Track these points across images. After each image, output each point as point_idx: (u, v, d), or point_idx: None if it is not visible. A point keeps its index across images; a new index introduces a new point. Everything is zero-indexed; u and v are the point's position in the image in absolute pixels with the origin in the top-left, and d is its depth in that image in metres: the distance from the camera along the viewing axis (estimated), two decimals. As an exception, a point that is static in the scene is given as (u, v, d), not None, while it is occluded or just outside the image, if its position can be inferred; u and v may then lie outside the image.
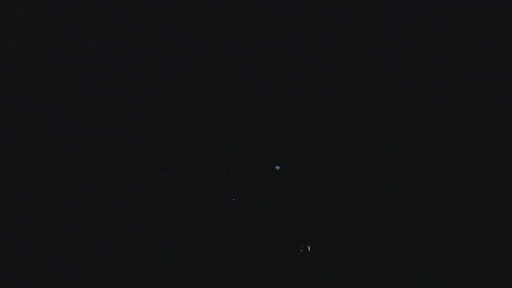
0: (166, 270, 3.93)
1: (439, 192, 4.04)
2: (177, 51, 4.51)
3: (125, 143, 4.25)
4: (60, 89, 4.39)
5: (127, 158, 4.21)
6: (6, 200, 4.07)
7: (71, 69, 4.45)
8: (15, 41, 4.51)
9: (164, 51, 4.51)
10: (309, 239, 3.98)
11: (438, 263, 3.87)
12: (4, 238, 3.99)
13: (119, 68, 4.46)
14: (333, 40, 4.47)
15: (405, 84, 4.35)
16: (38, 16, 4.55)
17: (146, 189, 4.13)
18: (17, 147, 4.22)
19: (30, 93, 4.37)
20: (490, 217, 3.96)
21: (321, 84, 4.39)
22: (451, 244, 3.91)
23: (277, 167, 4.18)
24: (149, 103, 4.37)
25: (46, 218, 4.03)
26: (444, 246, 3.90)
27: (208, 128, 4.30)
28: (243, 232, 4.02)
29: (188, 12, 4.57)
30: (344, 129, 4.26)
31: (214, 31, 4.53)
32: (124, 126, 4.30)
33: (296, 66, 4.43)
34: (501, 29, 4.43)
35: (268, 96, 4.37)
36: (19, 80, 4.40)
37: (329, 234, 3.99)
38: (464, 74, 4.35)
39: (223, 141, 4.26)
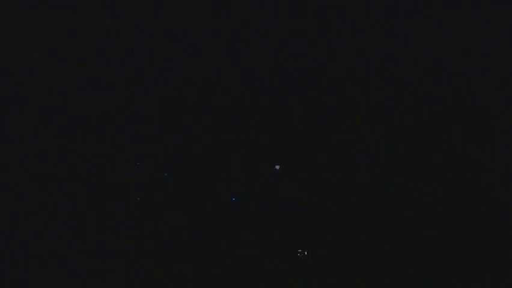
0: (166, 270, 3.93)
1: (439, 192, 4.04)
2: (177, 51, 4.51)
3: (125, 143, 4.25)
4: (61, 89, 4.39)
5: (127, 158, 4.21)
6: (6, 200, 4.07)
7: (71, 69, 4.45)
8: (15, 41, 4.51)
9: (164, 51, 4.51)
10: (309, 239, 3.98)
11: (438, 263, 3.87)
12: (4, 238, 3.99)
13: (119, 68, 4.46)
14: (333, 40, 4.47)
15: (405, 84, 4.35)
16: (38, 16, 4.55)
17: (146, 189, 4.13)
18: (17, 147, 4.22)
19: (30, 93, 4.37)
20: (490, 217, 3.96)
21: (321, 84, 4.39)
22: (451, 244, 3.91)
23: (277, 167, 4.18)
24: (149, 103, 4.37)
25: (46, 218, 4.03)
26: (445, 246, 3.90)
27: (208, 128, 4.30)
28: (243, 232, 4.02)
29: (189, 12, 4.57)
30: (344, 129, 4.26)
31: (214, 31, 4.53)
32: (124, 126, 4.30)
33: (296, 66, 4.43)
34: (501, 29, 4.43)
35: (268, 96, 4.37)
36: (19, 80, 4.40)
37: (328, 235, 3.99)
38: (464, 74, 4.35)
39: (223, 141, 4.26)
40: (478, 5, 4.47)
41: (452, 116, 4.25)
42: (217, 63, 4.47)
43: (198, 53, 4.50)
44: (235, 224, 4.04)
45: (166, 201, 4.11)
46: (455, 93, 4.30)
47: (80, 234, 4.00)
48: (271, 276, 3.89)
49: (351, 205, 4.05)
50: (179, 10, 4.57)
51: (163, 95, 4.40)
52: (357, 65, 4.42)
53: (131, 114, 4.33)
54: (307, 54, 4.46)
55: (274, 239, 3.99)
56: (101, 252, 3.96)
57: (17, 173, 4.15)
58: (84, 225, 4.02)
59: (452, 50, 4.41)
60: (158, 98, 4.39)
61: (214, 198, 4.11)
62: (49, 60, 4.47)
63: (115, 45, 4.52)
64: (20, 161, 4.18)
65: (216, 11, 4.58)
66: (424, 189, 4.06)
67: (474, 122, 4.22)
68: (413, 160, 4.14)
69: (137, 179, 4.16)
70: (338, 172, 4.14)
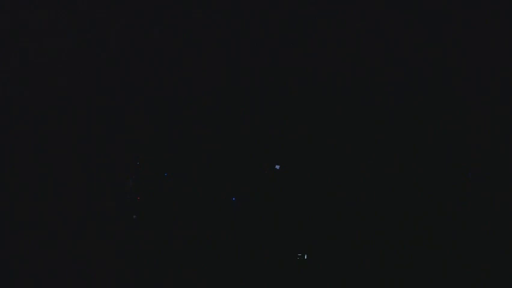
0: (166, 270, 3.93)
1: (439, 192, 4.05)
2: (177, 51, 4.51)
3: (125, 143, 4.26)
4: (61, 89, 4.39)
5: (127, 158, 4.21)
6: (6, 200, 4.08)
7: (71, 69, 4.45)
8: (15, 41, 4.50)
9: (164, 51, 4.51)
10: (308, 239, 3.99)
11: (437, 263, 3.87)
12: (4, 238, 3.99)
13: (119, 68, 4.46)
14: (333, 40, 4.47)
15: (405, 84, 4.35)
16: (37, 16, 4.55)
17: (146, 189, 4.14)
18: (17, 147, 4.22)
19: (31, 93, 4.37)
20: (490, 217, 3.97)
21: (321, 84, 4.39)
22: (451, 244, 3.91)
23: (277, 167, 4.19)
24: (149, 103, 4.37)
25: (46, 218, 4.04)
26: (444, 247, 3.91)
27: (208, 128, 4.30)
28: (243, 232, 4.02)
29: (189, 12, 4.57)
30: (345, 129, 4.26)
31: (214, 31, 4.53)
32: (124, 126, 4.30)
33: (296, 66, 4.44)
34: (501, 28, 4.43)
35: (268, 96, 4.37)
36: (19, 80, 4.41)
37: (328, 235, 4.00)
38: (464, 74, 4.35)
39: (224, 141, 4.26)
40: (477, 5, 4.46)
41: (452, 115, 4.25)
42: (217, 63, 4.47)
43: (198, 53, 4.50)
44: (235, 224, 4.04)
45: (166, 201, 4.11)
46: (455, 93, 4.30)
47: (80, 234, 4.01)
48: (271, 276, 3.90)
49: (351, 205, 4.05)
50: (180, 10, 4.57)
51: (163, 95, 4.40)
52: (357, 65, 4.42)
53: (131, 114, 4.34)
54: (307, 54, 4.47)
55: (274, 239, 3.99)
56: (101, 253, 3.96)
57: (17, 173, 4.15)
58: (84, 226, 4.03)
59: (452, 50, 4.41)
60: (158, 98, 4.39)
61: (214, 198, 4.11)
62: (49, 60, 4.47)
63: (116, 45, 4.52)
64: (20, 161, 4.18)
65: (216, 11, 4.58)
66: (424, 189, 4.06)
67: (474, 122, 4.22)
68: (414, 160, 4.15)
69: (137, 179, 4.16)
70: (338, 172, 4.14)
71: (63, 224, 4.04)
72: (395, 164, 4.16)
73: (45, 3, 4.56)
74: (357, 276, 3.88)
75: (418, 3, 4.49)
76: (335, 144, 4.23)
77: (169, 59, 4.50)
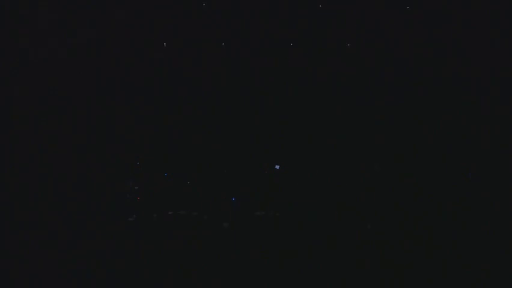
0: (166, 270, 3.93)
1: (439, 192, 4.05)
2: (177, 51, 4.50)
3: (125, 143, 4.25)
4: (61, 89, 4.39)
5: (127, 158, 4.21)
6: (6, 200, 4.07)
7: (70, 69, 4.45)
8: (15, 41, 4.50)
9: (164, 51, 4.51)
10: (309, 239, 3.99)
11: (437, 263, 3.87)
12: (4, 238, 3.99)
13: (119, 68, 4.46)
14: (334, 40, 4.46)
15: (405, 84, 4.35)
16: (37, 16, 4.55)
17: (146, 189, 4.13)
18: (17, 147, 4.22)
19: (30, 93, 4.36)
20: (490, 217, 3.97)
21: (320, 84, 4.38)
22: (451, 244, 3.91)
23: (277, 167, 4.18)
24: (149, 103, 4.37)
25: (46, 218, 4.03)
26: (444, 246, 3.90)
27: (208, 128, 4.30)
28: (243, 232, 4.02)
29: (189, 12, 4.57)
30: (344, 129, 4.26)
31: (215, 32, 4.53)
32: (124, 126, 4.30)
33: (296, 66, 4.43)
34: (501, 28, 4.43)
35: (268, 96, 4.37)
36: (19, 79, 4.40)
37: (328, 234, 3.99)
38: (464, 74, 4.35)
39: (224, 141, 4.26)
40: (477, 4, 4.46)
41: (452, 116, 4.25)
42: (217, 63, 4.47)
43: (198, 54, 4.50)
44: (235, 224, 4.04)
45: (166, 201, 4.11)
46: (455, 93, 4.30)
47: (80, 234, 4.00)
48: (270, 277, 3.89)
49: (351, 205, 4.05)
50: (179, 10, 4.57)
51: (163, 95, 4.40)
52: (357, 65, 4.42)
53: (131, 114, 4.33)
54: (309, 54, 4.46)
55: (274, 239, 3.99)
56: (101, 253, 3.96)
57: (17, 173, 4.15)
58: (84, 226, 4.03)
59: (452, 50, 4.41)
60: (158, 98, 4.39)
61: (214, 198, 4.11)
62: (49, 60, 4.47)
63: (116, 45, 4.52)
64: (20, 161, 4.18)
65: (215, 11, 4.57)
66: (424, 189, 4.06)
67: (474, 122, 4.22)
68: (414, 160, 4.14)
69: (137, 179, 4.16)
70: (338, 172, 4.14)
71: (63, 224, 4.03)
72: (395, 164, 4.16)
73: (46, 3, 4.56)
74: (357, 276, 3.87)
75: (418, 3, 4.49)
76: (335, 144, 4.23)
77: (169, 59, 4.50)
